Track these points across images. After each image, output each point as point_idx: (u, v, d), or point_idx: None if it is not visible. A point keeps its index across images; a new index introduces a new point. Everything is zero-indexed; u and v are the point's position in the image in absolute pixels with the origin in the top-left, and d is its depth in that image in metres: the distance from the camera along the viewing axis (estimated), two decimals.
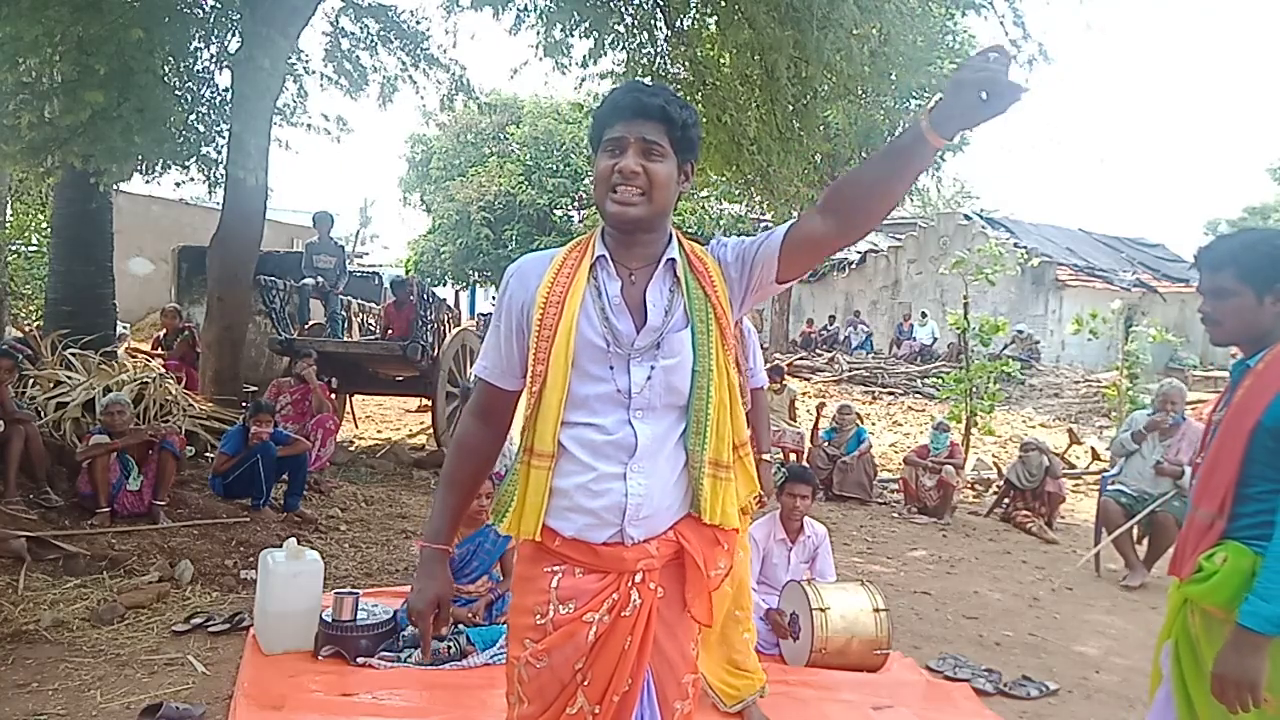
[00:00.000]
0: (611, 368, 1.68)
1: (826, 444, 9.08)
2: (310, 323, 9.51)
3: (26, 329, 9.49)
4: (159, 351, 9.43)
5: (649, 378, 1.67)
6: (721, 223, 23.48)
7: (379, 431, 10.98)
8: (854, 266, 24.84)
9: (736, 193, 15.35)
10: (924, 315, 20.91)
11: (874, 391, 16.34)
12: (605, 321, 1.69)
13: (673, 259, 1.74)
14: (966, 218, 23.90)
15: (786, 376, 11.58)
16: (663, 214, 1.73)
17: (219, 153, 8.54)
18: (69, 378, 6.90)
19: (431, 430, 9.47)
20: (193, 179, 9.46)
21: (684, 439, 1.70)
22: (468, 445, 1.85)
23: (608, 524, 1.67)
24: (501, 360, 1.79)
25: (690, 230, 21.88)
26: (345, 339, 9.70)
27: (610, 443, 1.67)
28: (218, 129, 8.63)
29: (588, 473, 1.67)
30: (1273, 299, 2.07)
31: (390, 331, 9.38)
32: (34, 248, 13.36)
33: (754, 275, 1.74)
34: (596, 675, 1.68)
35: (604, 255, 1.75)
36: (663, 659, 1.73)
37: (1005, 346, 16.05)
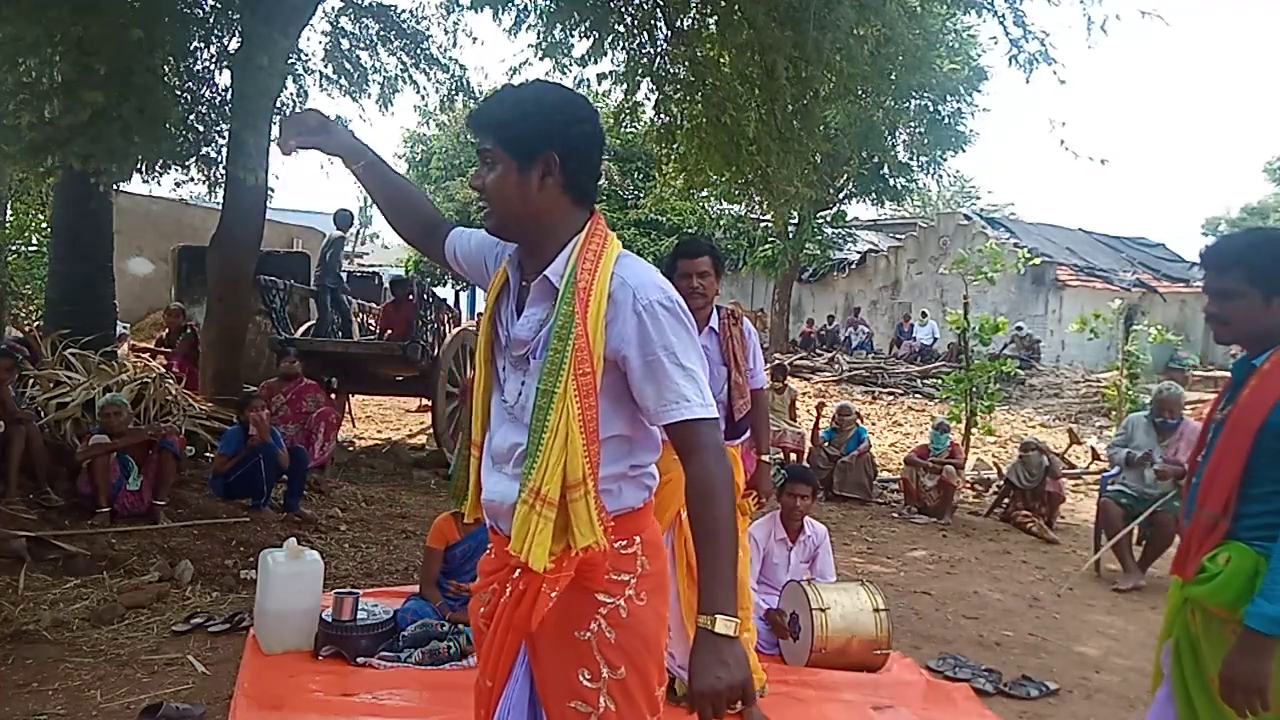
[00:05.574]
0: (501, 367, 1.72)
1: (827, 444, 9.07)
2: (307, 323, 9.51)
3: (26, 329, 9.49)
4: (162, 349, 9.44)
5: (519, 391, 1.67)
6: (722, 223, 23.44)
7: (379, 431, 10.98)
8: (854, 266, 24.86)
9: (736, 193, 15.32)
10: (924, 315, 20.91)
11: (874, 391, 16.34)
12: (501, 315, 1.73)
13: (548, 276, 1.63)
14: (966, 218, 23.93)
15: (788, 376, 11.57)
16: (519, 220, 1.66)
17: (219, 152, 8.52)
18: (69, 378, 6.90)
19: (431, 430, 9.47)
20: (193, 179, 9.45)
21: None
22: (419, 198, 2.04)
23: (490, 515, 1.74)
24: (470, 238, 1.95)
25: (690, 230, 21.82)
26: (343, 339, 9.69)
27: (492, 438, 1.73)
28: (218, 129, 8.61)
29: (485, 464, 1.76)
30: None
31: (390, 331, 9.38)
32: (34, 248, 13.33)
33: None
34: (482, 654, 1.75)
35: (514, 253, 1.75)
36: (548, 673, 1.66)
37: (1005, 346, 16.04)
